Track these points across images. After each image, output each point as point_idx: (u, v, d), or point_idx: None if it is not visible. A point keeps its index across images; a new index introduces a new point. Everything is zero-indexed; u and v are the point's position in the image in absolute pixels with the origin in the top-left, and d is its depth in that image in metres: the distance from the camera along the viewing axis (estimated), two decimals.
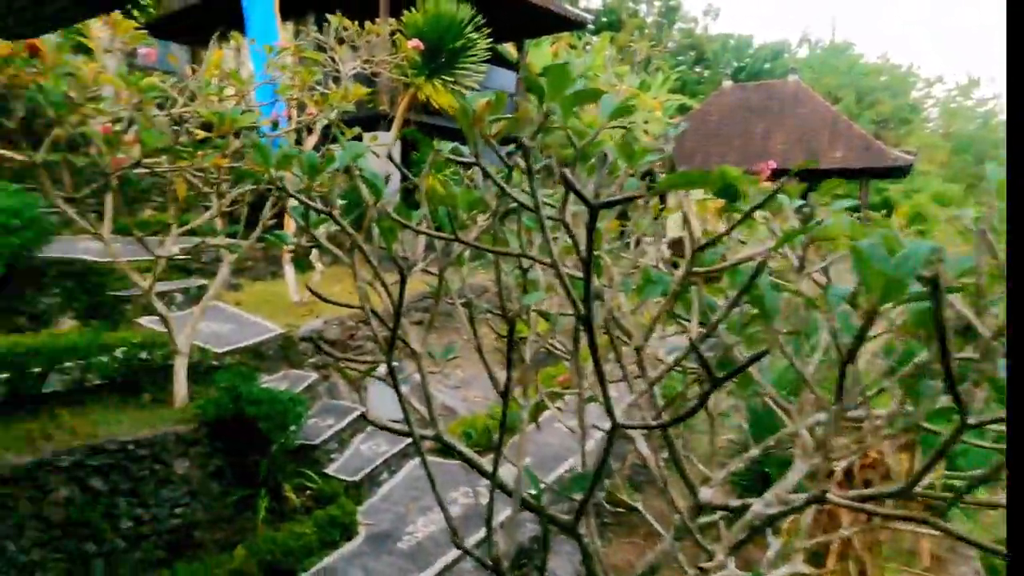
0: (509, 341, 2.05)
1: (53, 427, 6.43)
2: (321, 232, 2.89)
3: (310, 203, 2.60)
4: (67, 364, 6.96)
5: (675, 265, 2.51)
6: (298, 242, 3.44)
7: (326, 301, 2.78)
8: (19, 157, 6.88)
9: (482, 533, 6.58)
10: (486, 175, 2.09)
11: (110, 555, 6.24)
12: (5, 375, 6.58)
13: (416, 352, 2.68)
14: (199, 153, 6.39)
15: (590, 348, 1.55)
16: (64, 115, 5.78)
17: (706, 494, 1.72)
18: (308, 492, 7.41)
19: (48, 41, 6.12)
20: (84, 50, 8.62)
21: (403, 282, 2.38)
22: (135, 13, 7.31)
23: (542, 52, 21.56)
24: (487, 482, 2.59)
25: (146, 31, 7.90)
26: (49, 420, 6.48)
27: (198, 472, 6.96)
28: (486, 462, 2.62)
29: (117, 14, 7.55)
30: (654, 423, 1.59)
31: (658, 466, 1.91)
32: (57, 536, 6.00)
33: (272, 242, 3.09)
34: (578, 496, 2.10)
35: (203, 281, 10.17)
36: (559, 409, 3.82)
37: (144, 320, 8.91)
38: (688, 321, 1.91)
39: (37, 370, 6.74)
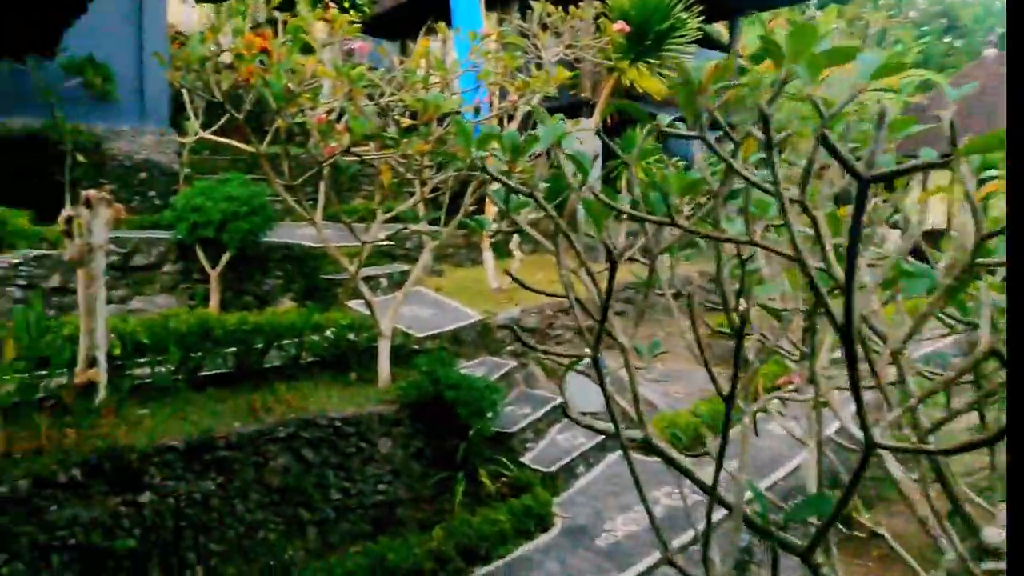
0: (738, 339, 1.82)
1: (272, 399, 6.95)
2: (522, 218, 2.81)
3: (512, 185, 2.50)
4: (285, 342, 7.50)
5: (923, 258, 2.16)
6: (499, 227, 3.36)
7: (528, 288, 2.68)
8: (249, 149, 7.49)
9: (686, 536, 6.33)
10: (712, 150, 1.87)
11: (322, 523, 6.66)
12: (232, 349, 7.19)
13: (623, 346, 2.50)
14: (404, 141, 6.62)
15: (846, 353, 1.31)
16: (285, 106, 6.18)
17: (993, 535, 1.42)
18: (503, 480, 7.51)
19: (275, 41, 6.58)
20: (307, 50, 9.24)
21: (613, 270, 2.21)
22: (351, 13, 7.75)
23: (756, 31, 20.49)
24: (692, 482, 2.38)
25: (360, 29, 8.32)
26: (269, 393, 7.01)
27: (400, 452, 7.25)
28: (699, 469, 2.40)
29: (335, 12, 7.99)
30: (931, 448, 1.33)
31: (925, 496, 1.62)
32: (276, 501, 6.47)
33: (472, 228, 3.04)
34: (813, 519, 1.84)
35: (406, 267, 10.62)
36: (780, 413, 3.50)
37: (353, 303, 9.45)
38: (960, 323, 1.60)
39: (259, 346, 7.32)
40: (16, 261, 8.06)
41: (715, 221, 2.28)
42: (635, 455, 7.24)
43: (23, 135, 10.79)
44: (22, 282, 8.00)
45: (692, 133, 1.97)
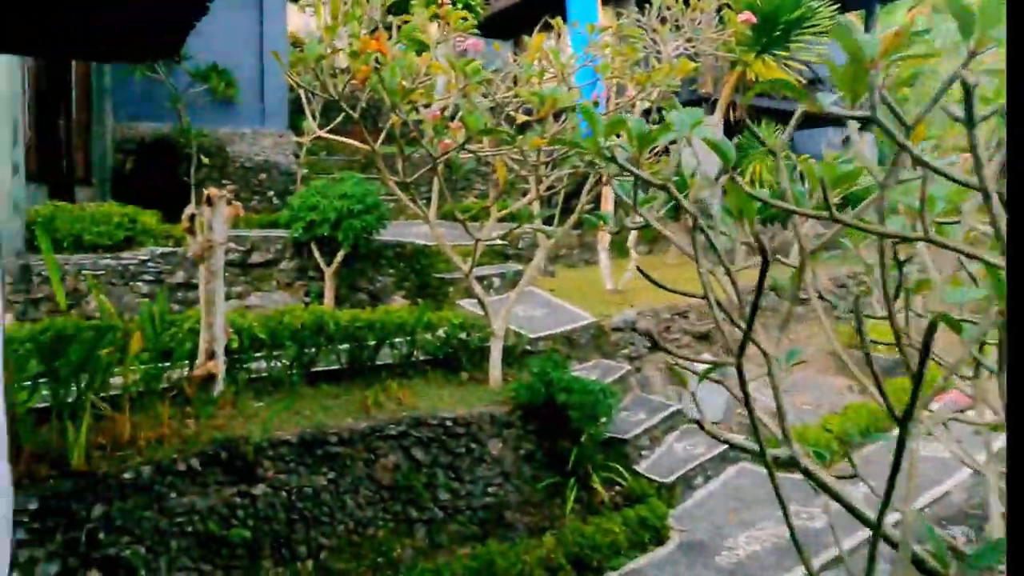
0: (924, 352, 1.57)
1: (383, 396, 6.98)
2: (651, 213, 2.61)
3: (644, 176, 2.32)
4: (396, 339, 7.54)
5: None
6: (623, 224, 3.16)
7: (664, 288, 2.49)
8: (364, 148, 7.58)
9: (814, 562, 5.94)
10: (888, 133, 1.63)
11: (430, 523, 6.64)
12: (345, 346, 7.29)
13: (767, 354, 2.26)
14: (519, 137, 6.52)
15: None
16: (399, 102, 6.18)
17: None
18: (617, 488, 7.29)
19: (389, 42, 6.62)
20: (421, 52, 9.32)
21: (764, 268, 1.98)
22: (464, 14, 7.79)
23: (894, 21, 19.36)
24: (825, 499, 2.14)
25: (476, 29, 8.31)
26: (380, 390, 7.05)
27: (510, 454, 7.15)
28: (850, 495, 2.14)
29: (448, 8, 7.99)
30: None
31: None
32: (385, 498, 6.50)
33: (592, 223, 2.86)
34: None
35: (518, 267, 10.56)
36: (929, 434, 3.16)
37: (464, 303, 9.45)
38: None
39: (372, 343, 7.38)
40: (144, 257, 8.48)
41: (880, 215, 2.02)
42: (755, 467, 6.92)
43: (153, 139, 11.39)
44: (149, 277, 8.41)
45: (858, 113, 1.73)
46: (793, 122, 2.16)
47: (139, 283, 8.33)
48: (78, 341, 5.17)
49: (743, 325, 2.18)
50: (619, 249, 11.65)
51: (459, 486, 6.84)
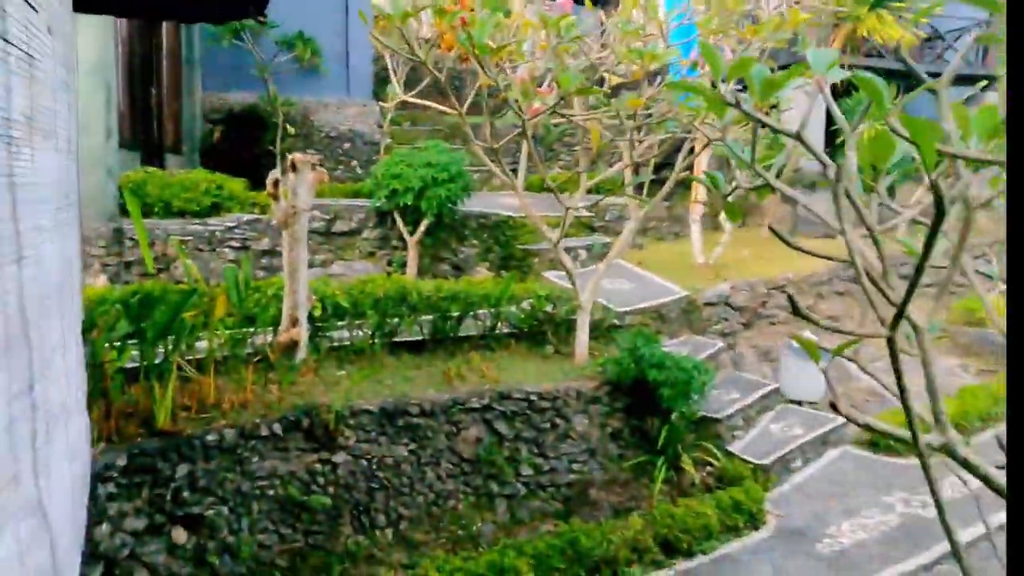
0: None
1: (466, 369, 6.87)
2: (771, 173, 2.33)
3: (770, 122, 2.06)
4: (480, 311, 7.41)
5: None
6: (737, 185, 2.88)
7: (802, 251, 2.20)
8: (449, 112, 7.43)
9: (927, 555, 5.55)
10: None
11: (511, 497, 6.51)
12: (428, 317, 7.19)
13: (917, 328, 1.96)
14: (613, 100, 6.25)
15: None
16: (487, 60, 5.98)
17: None
18: (708, 469, 7.00)
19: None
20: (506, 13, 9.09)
21: (938, 223, 1.68)
22: None
23: None
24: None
25: None
26: (464, 362, 6.95)
27: (596, 431, 6.95)
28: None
29: None
30: None
31: None
32: (467, 471, 6.40)
33: (702, 183, 2.58)
34: None
35: (606, 239, 10.27)
36: None
37: (550, 275, 9.25)
38: None
39: (455, 314, 7.27)
40: (231, 224, 8.59)
41: None
42: (861, 451, 6.45)
43: (241, 109, 11.57)
44: (235, 243, 8.51)
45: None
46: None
47: (225, 249, 8.45)
48: (164, 304, 5.21)
49: (891, 294, 1.89)
50: (710, 222, 11.24)
51: (542, 462, 6.68)
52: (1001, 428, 7.51)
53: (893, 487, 6.55)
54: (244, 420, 5.31)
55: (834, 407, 2.19)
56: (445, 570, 5.33)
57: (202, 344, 5.67)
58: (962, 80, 13.32)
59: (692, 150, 8.10)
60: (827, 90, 2.00)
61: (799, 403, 8.13)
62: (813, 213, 2.32)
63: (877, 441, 7.57)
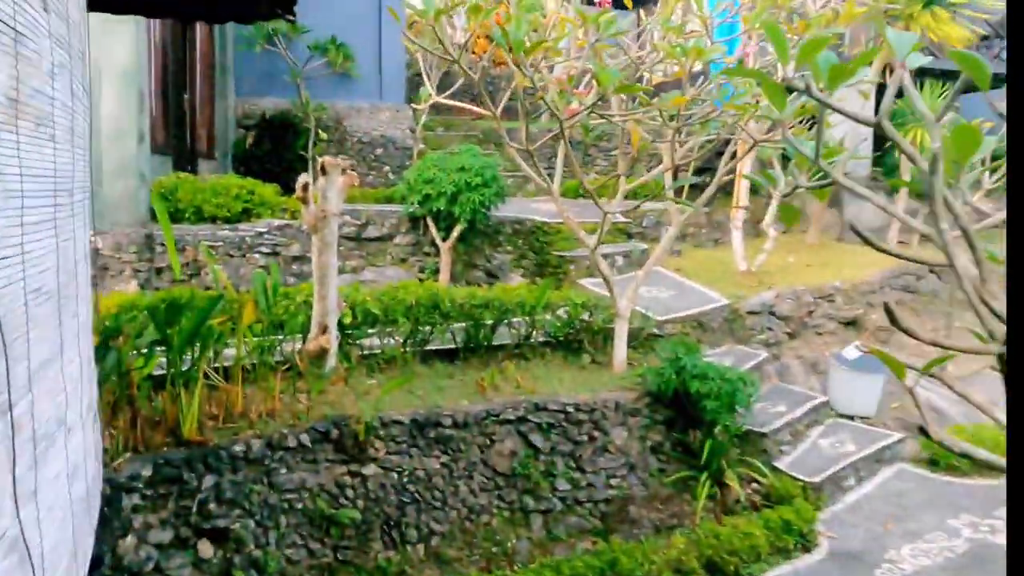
0: None
1: (500, 379, 6.70)
2: (837, 169, 2.13)
3: (844, 110, 1.87)
4: (515, 319, 7.23)
5: None
6: (796, 183, 2.69)
7: (889, 253, 2.00)
8: (484, 113, 7.28)
9: None
10: None
11: (547, 513, 6.31)
12: (461, 324, 7.04)
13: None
14: (655, 100, 6.06)
15: None
16: (523, 59, 5.83)
17: None
18: (754, 486, 6.74)
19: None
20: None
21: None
22: None
23: None
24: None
25: None
26: (497, 371, 6.78)
27: (636, 444, 6.73)
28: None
29: None
30: None
31: None
32: (501, 485, 6.21)
33: (759, 183, 2.39)
34: None
35: (643, 245, 10.06)
36: None
37: (586, 282, 9.05)
38: None
39: (489, 322, 7.10)
40: (261, 229, 8.53)
41: None
42: (919, 470, 6.12)
43: (273, 114, 11.55)
44: (265, 249, 8.44)
45: None
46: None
47: (256, 255, 8.38)
48: (191, 310, 5.10)
49: (995, 304, 1.67)
50: (751, 229, 10.97)
51: (580, 476, 6.48)
52: None
53: (958, 509, 6.24)
54: (272, 430, 5.19)
55: (923, 431, 1.97)
56: None
57: (230, 352, 5.57)
58: None
59: (735, 155, 7.87)
60: (907, 75, 1.80)
61: (851, 418, 7.82)
62: (897, 215, 2.11)
63: (937, 459, 7.26)
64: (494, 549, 5.99)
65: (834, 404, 7.91)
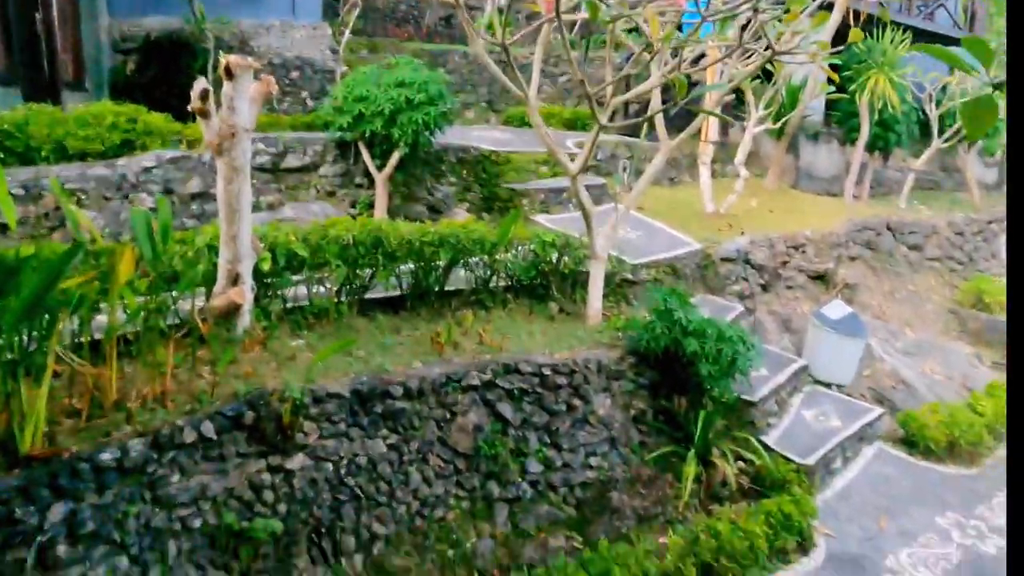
0: None
1: (459, 333, 5.18)
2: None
3: None
4: (472, 260, 5.65)
5: None
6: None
7: None
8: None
9: None
10: None
11: (514, 502, 4.87)
12: (410, 265, 5.41)
13: None
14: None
15: None
16: None
17: None
18: (740, 464, 5.48)
19: None
20: None
21: None
22: None
23: None
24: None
25: None
26: (455, 324, 5.23)
27: (619, 414, 5.34)
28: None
29: None
30: None
31: None
32: (460, 469, 4.73)
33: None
34: None
35: (601, 180, 8.53)
36: None
37: (541, 218, 7.49)
38: None
39: (441, 263, 5.49)
40: (149, 164, 6.49)
41: None
42: (898, 453, 4.80)
43: (160, 35, 9.24)
44: (155, 187, 6.45)
45: None
46: None
47: (142, 194, 6.37)
48: (33, 271, 3.25)
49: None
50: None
51: (555, 455, 5.05)
52: None
53: (943, 505, 5.62)
54: (159, 423, 3.48)
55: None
56: None
57: (102, 320, 3.79)
58: (948, 41, 12.04)
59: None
60: None
61: (827, 385, 6.70)
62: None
63: (913, 440, 6.42)
64: (450, 552, 4.50)
65: (812, 369, 6.73)
